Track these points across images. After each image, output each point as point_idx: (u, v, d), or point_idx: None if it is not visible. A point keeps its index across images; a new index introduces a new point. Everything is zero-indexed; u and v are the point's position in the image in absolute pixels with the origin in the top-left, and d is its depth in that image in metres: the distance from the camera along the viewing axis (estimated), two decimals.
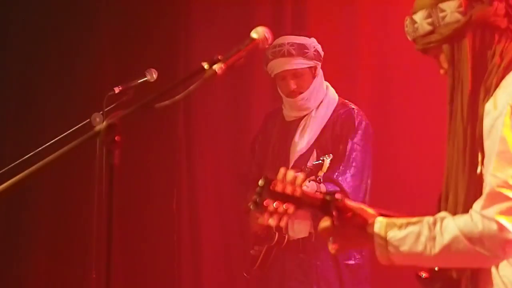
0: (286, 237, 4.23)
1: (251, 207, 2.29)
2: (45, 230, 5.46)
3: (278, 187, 2.27)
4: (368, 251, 4.13)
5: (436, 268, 2.37)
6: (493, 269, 2.24)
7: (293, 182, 2.29)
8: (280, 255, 4.26)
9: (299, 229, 4.22)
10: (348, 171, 4.15)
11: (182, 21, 5.50)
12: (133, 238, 5.29)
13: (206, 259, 5.38)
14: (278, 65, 4.28)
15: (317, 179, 3.99)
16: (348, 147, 4.19)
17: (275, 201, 2.26)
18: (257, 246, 4.30)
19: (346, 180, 4.12)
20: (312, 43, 4.31)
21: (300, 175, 2.31)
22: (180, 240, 5.40)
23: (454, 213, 2.23)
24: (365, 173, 4.20)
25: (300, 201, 2.27)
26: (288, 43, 4.25)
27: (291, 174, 2.30)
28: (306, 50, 4.25)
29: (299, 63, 4.25)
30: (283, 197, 2.27)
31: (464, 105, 2.26)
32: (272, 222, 2.28)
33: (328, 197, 2.28)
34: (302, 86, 4.28)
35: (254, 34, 2.39)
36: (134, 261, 5.36)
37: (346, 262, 4.16)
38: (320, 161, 3.99)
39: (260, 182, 2.28)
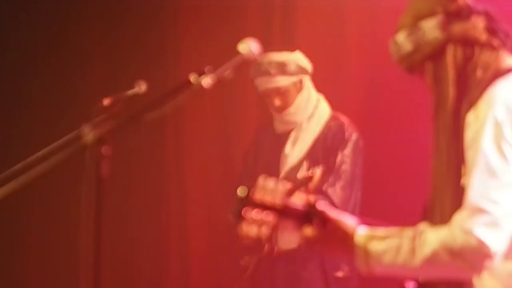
0: (276, 248, 4.23)
1: (231, 217, 2.26)
2: (33, 243, 5.44)
3: (257, 196, 2.24)
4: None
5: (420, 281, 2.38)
6: (477, 282, 2.24)
7: (273, 191, 2.26)
8: (270, 266, 4.25)
9: (289, 240, 4.21)
10: (337, 183, 4.15)
11: (171, 33, 5.51)
12: (122, 249, 5.27)
13: (195, 270, 5.37)
14: (260, 84, 4.30)
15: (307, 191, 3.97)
16: (338, 159, 4.20)
17: (254, 209, 2.21)
18: (247, 256, 4.30)
19: (336, 192, 4.12)
20: (293, 58, 4.30)
21: (282, 184, 2.27)
22: (169, 251, 5.39)
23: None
24: (354, 185, 4.20)
25: (280, 211, 2.23)
26: (266, 62, 4.24)
27: (270, 182, 2.28)
28: (286, 67, 4.25)
29: (280, 81, 4.24)
30: (263, 206, 2.22)
31: (447, 120, 2.26)
32: (252, 231, 2.25)
33: (308, 208, 2.27)
34: (286, 102, 4.29)
35: (242, 46, 2.40)
36: (123, 272, 5.34)
37: (335, 274, 4.16)
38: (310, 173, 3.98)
39: (239, 191, 2.23)
